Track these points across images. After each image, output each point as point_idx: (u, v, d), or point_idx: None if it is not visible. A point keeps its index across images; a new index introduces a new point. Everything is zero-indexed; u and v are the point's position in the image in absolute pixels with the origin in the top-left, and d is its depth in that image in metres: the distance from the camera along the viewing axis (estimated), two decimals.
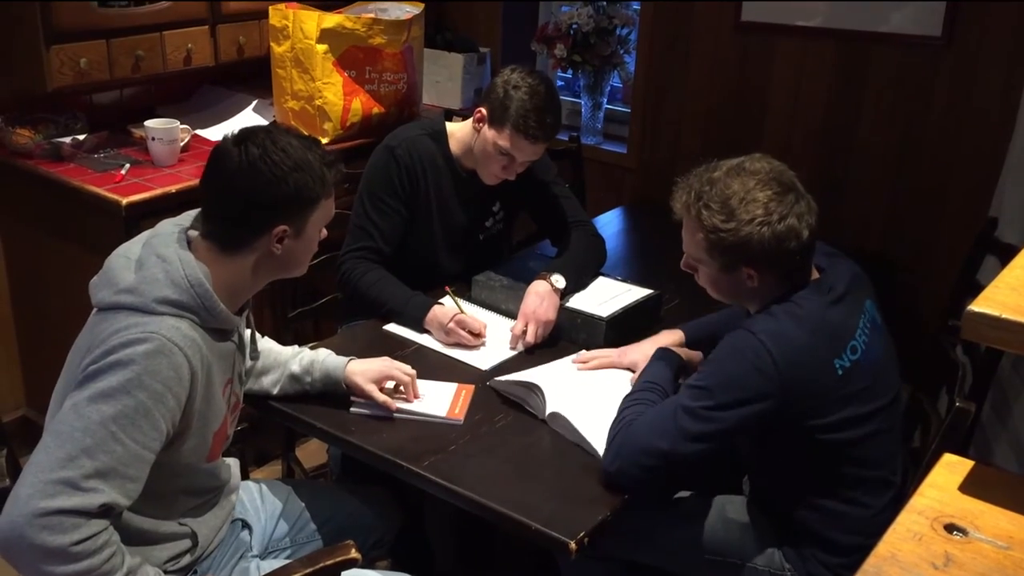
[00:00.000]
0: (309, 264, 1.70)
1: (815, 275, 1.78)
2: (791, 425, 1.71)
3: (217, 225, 1.57)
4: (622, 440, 1.70)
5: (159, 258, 1.51)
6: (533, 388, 1.91)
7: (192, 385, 1.49)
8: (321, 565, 1.57)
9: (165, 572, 1.59)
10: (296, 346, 1.99)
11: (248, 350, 1.77)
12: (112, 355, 1.42)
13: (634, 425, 1.71)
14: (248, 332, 1.78)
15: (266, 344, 1.94)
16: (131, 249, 1.57)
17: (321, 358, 1.92)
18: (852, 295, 1.78)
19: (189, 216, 1.62)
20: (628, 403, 1.81)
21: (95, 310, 1.54)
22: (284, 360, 1.92)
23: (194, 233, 1.59)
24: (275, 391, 1.91)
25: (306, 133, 1.69)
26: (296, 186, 1.54)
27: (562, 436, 1.85)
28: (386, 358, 1.95)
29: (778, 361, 1.63)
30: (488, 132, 2.26)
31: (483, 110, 2.27)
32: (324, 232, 1.67)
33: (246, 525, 1.85)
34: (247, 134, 1.56)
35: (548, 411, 1.87)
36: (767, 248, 1.68)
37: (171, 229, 1.58)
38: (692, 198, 1.74)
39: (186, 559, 1.65)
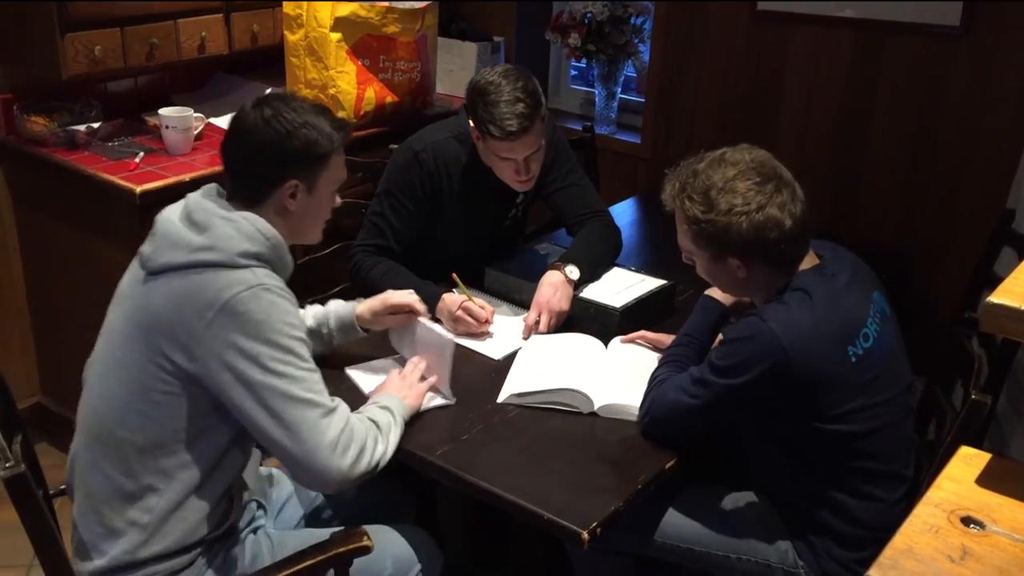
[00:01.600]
0: (322, 234, 1.79)
1: (815, 260, 1.78)
2: (802, 413, 1.71)
3: (237, 183, 1.67)
4: (653, 397, 1.81)
5: (222, 218, 1.59)
6: (567, 392, 1.89)
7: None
8: (334, 552, 1.57)
9: (208, 539, 1.66)
10: (307, 304, 2.05)
11: None
12: (243, 315, 1.52)
13: (664, 385, 1.80)
14: None
15: None
16: (177, 215, 1.63)
17: (332, 308, 2.02)
18: (858, 284, 1.78)
19: (211, 188, 1.70)
20: (664, 359, 1.92)
21: (146, 275, 1.60)
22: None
23: (218, 199, 1.68)
24: None
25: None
26: (306, 140, 1.64)
27: (575, 425, 1.85)
28: (388, 291, 2.05)
29: (788, 348, 1.64)
30: (485, 147, 2.24)
31: (474, 127, 2.25)
32: (338, 200, 1.77)
33: (261, 505, 1.89)
34: (263, 98, 1.69)
35: (598, 405, 1.88)
36: (747, 238, 1.69)
37: (207, 197, 1.65)
38: (677, 189, 1.77)
39: (222, 518, 1.70)
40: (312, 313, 2.00)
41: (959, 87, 2.83)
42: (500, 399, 1.90)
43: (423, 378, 1.90)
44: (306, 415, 1.54)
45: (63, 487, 1.76)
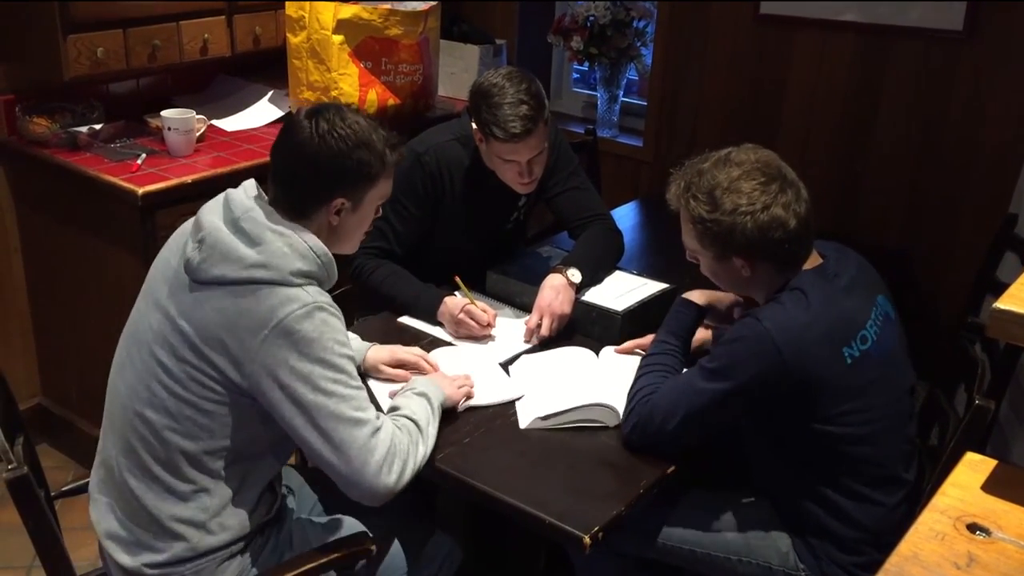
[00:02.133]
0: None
1: (819, 260, 1.78)
2: (797, 414, 1.71)
3: (284, 192, 1.65)
4: (641, 413, 1.77)
5: (273, 232, 1.58)
6: (594, 408, 1.86)
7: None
8: (336, 556, 1.57)
9: (260, 523, 1.71)
10: None
11: None
12: (296, 334, 1.53)
13: (650, 400, 1.77)
14: None
15: None
16: (224, 225, 1.60)
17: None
18: (861, 286, 1.78)
19: (252, 187, 1.67)
20: (644, 367, 1.87)
21: (193, 283, 1.59)
22: None
23: (262, 203, 1.66)
24: None
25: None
26: (359, 161, 1.63)
27: (577, 430, 1.85)
28: (397, 346, 2.03)
29: (782, 349, 1.64)
30: (488, 150, 2.24)
31: (476, 129, 2.25)
32: (379, 210, 1.76)
33: (291, 491, 1.93)
34: (319, 109, 1.66)
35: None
36: (751, 238, 1.69)
37: (255, 204, 1.62)
38: (682, 188, 1.77)
39: (268, 509, 1.74)
40: None
41: (962, 91, 2.82)
42: (523, 425, 1.86)
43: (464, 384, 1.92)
44: (355, 435, 1.55)
45: (64, 488, 1.76)
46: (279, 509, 1.77)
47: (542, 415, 1.85)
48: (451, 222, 2.40)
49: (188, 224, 1.69)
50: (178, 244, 1.67)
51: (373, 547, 1.60)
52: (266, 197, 1.67)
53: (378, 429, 1.58)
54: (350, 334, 1.96)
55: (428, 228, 2.39)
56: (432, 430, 1.71)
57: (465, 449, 1.77)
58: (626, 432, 1.80)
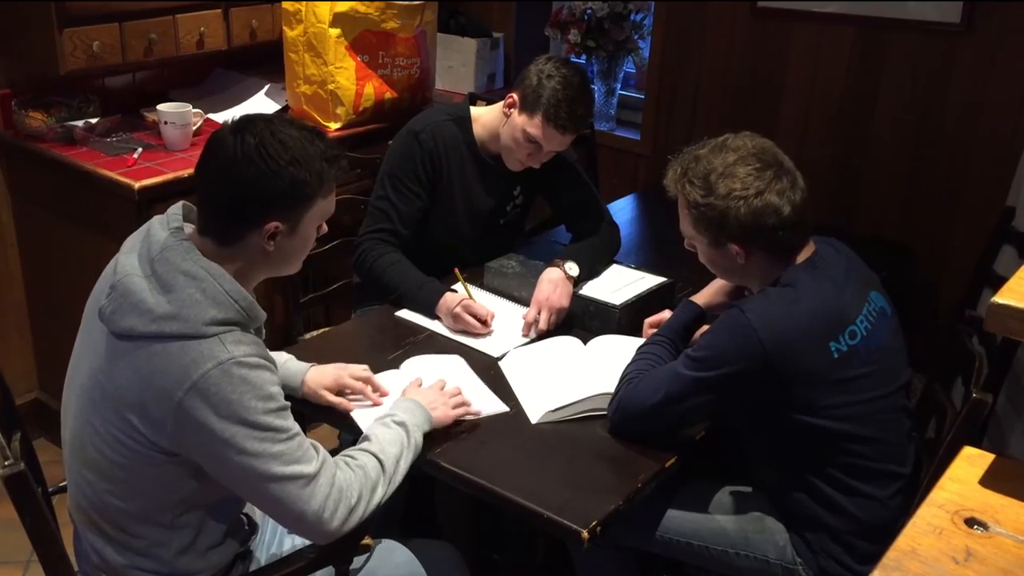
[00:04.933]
0: (304, 260, 1.63)
1: (811, 254, 1.78)
2: (780, 405, 1.71)
3: (211, 219, 1.51)
4: (624, 395, 1.79)
5: (186, 276, 1.44)
6: (604, 396, 1.86)
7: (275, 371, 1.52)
8: (334, 551, 1.57)
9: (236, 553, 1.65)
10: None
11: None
12: (213, 397, 1.40)
13: (634, 383, 1.79)
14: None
15: None
16: (137, 266, 1.48)
17: (282, 361, 1.86)
18: (853, 282, 1.78)
19: (177, 212, 1.54)
20: (636, 356, 1.89)
21: (111, 335, 1.47)
22: None
23: (189, 228, 1.53)
24: None
25: (311, 124, 1.60)
26: (292, 182, 1.46)
27: (575, 423, 1.85)
28: (339, 364, 1.90)
29: (764, 339, 1.65)
30: (518, 119, 2.25)
31: (515, 96, 2.26)
32: (324, 227, 1.60)
33: None
34: (246, 122, 1.49)
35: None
36: (744, 223, 1.70)
37: (173, 240, 1.48)
38: (679, 174, 1.79)
39: (242, 539, 1.68)
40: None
41: (960, 84, 2.82)
42: (535, 420, 1.85)
43: (461, 403, 1.81)
44: (287, 490, 1.45)
45: (62, 484, 1.76)
46: (250, 541, 1.71)
47: (552, 408, 1.85)
48: (448, 205, 2.41)
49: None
50: (107, 281, 1.53)
51: (370, 542, 1.59)
52: (191, 226, 1.53)
53: (314, 477, 1.47)
54: (283, 355, 1.89)
55: (427, 213, 2.39)
56: (404, 465, 1.61)
57: (463, 443, 1.77)
58: (610, 414, 1.81)
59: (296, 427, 1.50)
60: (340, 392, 1.86)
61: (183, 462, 1.47)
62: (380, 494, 1.56)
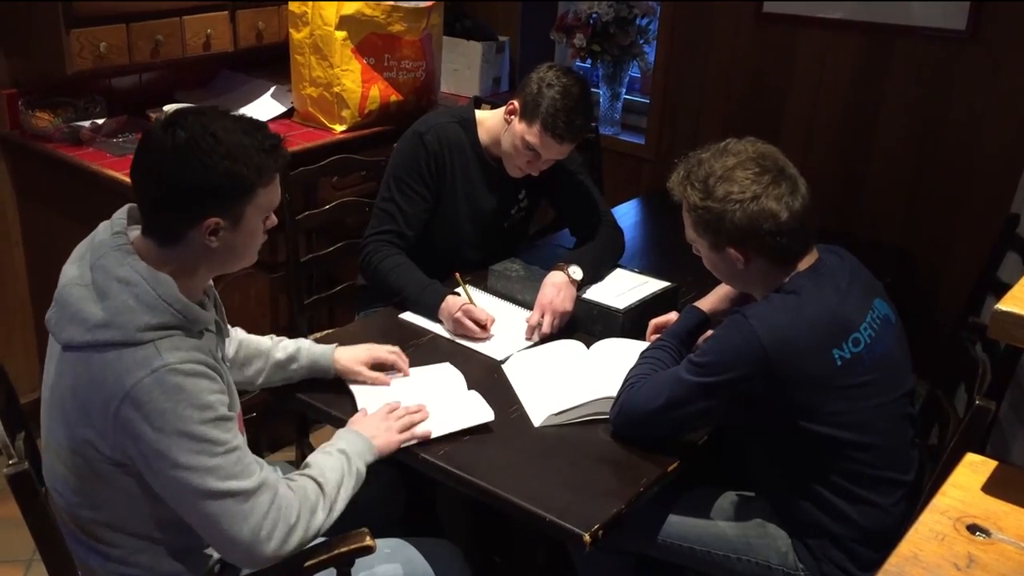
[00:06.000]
0: (257, 254, 1.58)
1: (815, 261, 1.78)
2: (783, 412, 1.71)
3: (149, 219, 1.47)
4: (626, 398, 1.79)
5: (120, 282, 1.41)
6: (605, 400, 1.86)
7: (221, 379, 1.48)
8: (337, 552, 1.57)
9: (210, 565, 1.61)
10: (272, 336, 1.95)
11: (224, 329, 1.69)
12: (145, 407, 1.38)
13: (636, 386, 1.80)
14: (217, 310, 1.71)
15: (244, 335, 1.90)
16: (78, 274, 1.46)
17: (307, 346, 1.92)
18: (857, 289, 1.78)
19: (122, 216, 1.51)
20: (640, 360, 1.90)
21: (60, 348, 1.46)
22: (266, 349, 1.89)
23: (133, 233, 1.49)
24: (259, 381, 1.89)
25: (248, 116, 1.53)
26: (227, 176, 1.41)
27: (577, 426, 1.85)
28: (371, 343, 1.97)
29: (766, 345, 1.65)
30: (518, 126, 2.25)
31: (516, 103, 2.27)
32: (272, 220, 1.54)
33: None
34: (177, 117, 1.44)
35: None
36: (740, 227, 1.71)
37: (111, 241, 1.46)
38: (681, 176, 1.80)
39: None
40: (282, 347, 1.90)
41: (965, 91, 2.82)
42: (537, 424, 1.85)
43: (409, 424, 1.77)
44: (223, 506, 1.41)
45: None
46: None
47: (555, 411, 1.85)
48: (452, 208, 2.41)
49: None
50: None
51: (372, 543, 1.59)
52: (138, 228, 1.50)
53: (253, 492, 1.43)
54: (303, 341, 1.92)
55: (431, 215, 2.39)
56: (345, 493, 1.58)
57: (464, 446, 1.77)
58: (612, 417, 1.82)
59: (237, 440, 1.45)
60: (376, 367, 1.92)
61: (137, 474, 1.44)
62: (320, 519, 1.52)
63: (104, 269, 1.43)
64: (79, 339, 1.41)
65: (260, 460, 1.50)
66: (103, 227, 1.50)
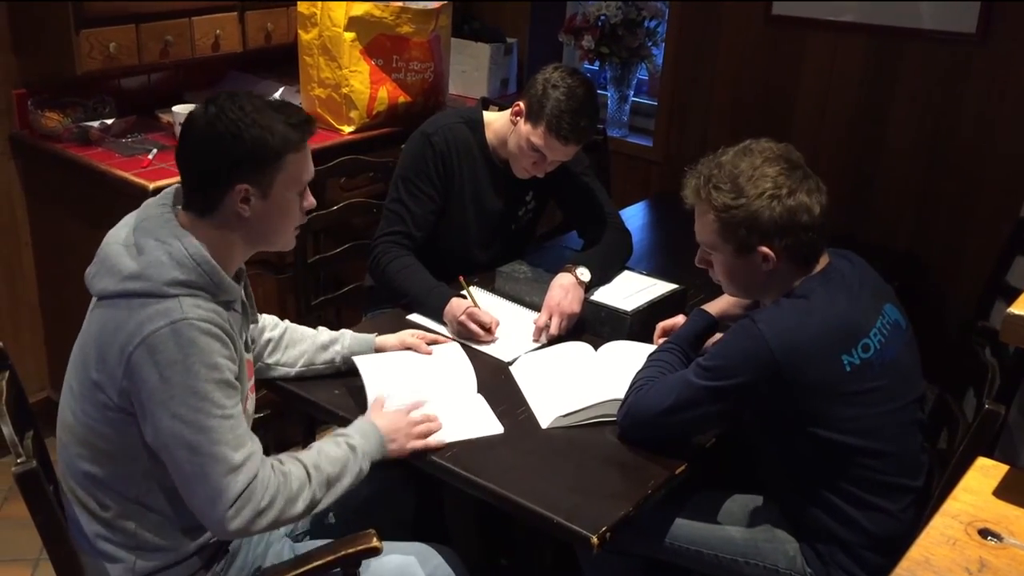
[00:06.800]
0: (295, 237, 1.67)
1: (825, 266, 1.77)
2: (792, 417, 1.71)
3: (189, 189, 1.57)
4: (634, 401, 1.79)
5: (157, 241, 1.51)
6: (613, 403, 1.86)
7: (234, 350, 1.54)
8: (343, 553, 1.57)
9: (200, 554, 1.64)
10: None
11: (251, 315, 1.76)
12: (159, 354, 1.44)
13: (644, 389, 1.79)
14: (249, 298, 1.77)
15: (292, 324, 2.00)
16: (123, 235, 1.55)
17: (348, 334, 2.01)
18: (867, 295, 1.77)
19: (170, 193, 1.61)
20: (647, 363, 1.89)
21: (95, 300, 1.56)
22: (312, 334, 1.99)
23: (179, 208, 1.59)
24: (302, 361, 1.94)
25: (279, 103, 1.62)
26: (254, 141, 1.50)
27: (585, 428, 1.85)
28: (411, 329, 2.09)
29: (774, 349, 1.64)
30: (523, 127, 2.25)
31: (521, 104, 2.27)
32: (310, 200, 1.64)
33: None
34: (213, 97, 1.56)
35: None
36: (779, 222, 1.69)
37: (157, 211, 1.57)
38: (702, 182, 1.77)
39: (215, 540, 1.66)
40: (324, 331, 2.00)
41: (974, 94, 2.81)
42: (545, 425, 1.85)
43: (427, 433, 1.77)
44: (206, 470, 1.46)
45: None
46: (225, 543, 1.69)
47: (563, 413, 1.85)
48: (459, 209, 2.41)
49: None
50: None
51: (379, 544, 1.59)
52: (180, 203, 1.60)
53: (237, 468, 1.48)
54: (346, 332, 1.99)
55: (439, 216, 2.39)
56: (338, 489, 1.61)
57: (472, 448, 1.77)
58: (619, 420, 1.81)
59: (237, 410, 1.51)
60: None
61: (136, 422, 1.50)
62: (299, 508, 1.55)
63: (145, 230, 1.53)
64: (111, 288, 1.50)
65: (254, 436, 1.54)
66: (151, 200, 1.60)
